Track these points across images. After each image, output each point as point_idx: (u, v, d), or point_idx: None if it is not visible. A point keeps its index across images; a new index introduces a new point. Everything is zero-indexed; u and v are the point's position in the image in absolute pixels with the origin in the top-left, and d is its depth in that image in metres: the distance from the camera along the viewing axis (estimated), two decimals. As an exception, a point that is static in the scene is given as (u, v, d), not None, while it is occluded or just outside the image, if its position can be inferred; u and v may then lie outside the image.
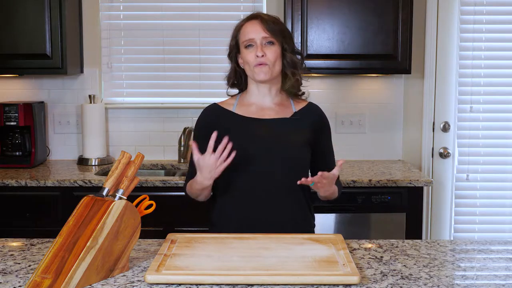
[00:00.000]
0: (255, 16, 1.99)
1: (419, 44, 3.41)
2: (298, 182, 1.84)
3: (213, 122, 2.01)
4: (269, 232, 1.84)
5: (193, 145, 1.83)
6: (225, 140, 1.80)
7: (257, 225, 1.91)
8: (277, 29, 1.96)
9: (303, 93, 2.08)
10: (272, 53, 1.95)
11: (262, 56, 1.93)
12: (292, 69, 2.00)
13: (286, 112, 2.03)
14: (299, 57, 2.04)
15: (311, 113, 2.07)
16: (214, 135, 1.81)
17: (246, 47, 1.97)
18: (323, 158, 2.08)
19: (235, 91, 2.13)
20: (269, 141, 1.96)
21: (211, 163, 1.81)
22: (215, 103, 2.08)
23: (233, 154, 1.81)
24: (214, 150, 1.80)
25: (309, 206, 2.05)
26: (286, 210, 1.97)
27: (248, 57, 1.96)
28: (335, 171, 1.87)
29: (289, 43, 2.00)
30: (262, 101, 2.03)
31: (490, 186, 3.52)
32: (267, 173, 1.94)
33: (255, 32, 1.95)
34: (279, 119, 2.01)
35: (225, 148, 1.80)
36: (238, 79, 2.07)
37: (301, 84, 2.06)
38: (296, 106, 2.06)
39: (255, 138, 1.97)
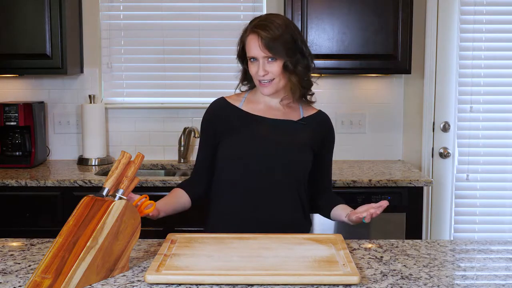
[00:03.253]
0: (255, 31, 1.91)
1: (419, 44, 3.41)
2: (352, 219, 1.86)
3: (218, 117, 2.01)
4: (263, 232, 1.83)
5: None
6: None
7: (252, 224, 1.91)
8: (277, 46, 1.89)
9: (313, 93, 2.06)
10: (275, 68, 1.91)
11: (264, 75, 1.91)
12: (294, 84, 1.96)
13: (294, 115, 2.02)
14: (307, 60, 1.99)
15: (319, 122, 2.05)
16: None
17: (251, 60, 1.95)
18: (320, 169, 2.07)
19: (246, 88, 2.11)
20: (271, 141, 1.96)
21: None
22: (223, 97, 2.07)
23: None
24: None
25: (304, 209, 2.03)
26: (281, 212, 1.96)
27: (252, 71, 1.95)
28: (382, 204, 1.80)
29: (292, 54, 1.92)
30: (270, 101, 2.03)
31: (490, 186, 3.52)
32: (266, 173, 1.94)
33: (256, 50, 1.91)
34: (285, 121, 2.00)
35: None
36: (248, 79, 2.05)
37: (309, 88, 2.04)
38: (305, 112, 2.05)
39: (257, 137, 1.96)
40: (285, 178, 1.95)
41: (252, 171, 1.93)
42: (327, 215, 2.06)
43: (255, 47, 1.91)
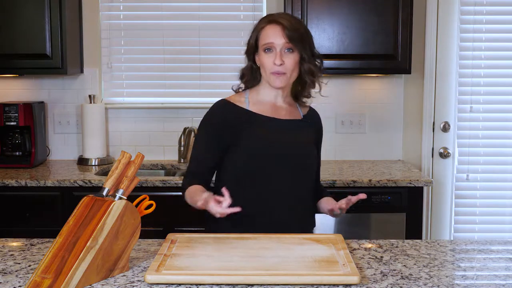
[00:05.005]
0: (278, 21, 1.93)
1: (419, 44, 3.40)
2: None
3: (226, 120, 1.97)
4: (274, 231, 1.83)
5: (225, 192, 1.68)
6: (235, 210, 1.69)
7: (262, 223, 1.91)
8: (297, 36, 1.92)
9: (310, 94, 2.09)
10: (291, 60, 1.92)
11: (280, 65, 1.91)
12: (311, 77, 1.98)
13: (296, 114, 2.05)
14: (318, 61, 2.01)
15: (314, 118, 2.11)
16: (227, 202, 1.67)
17: (265, 50, 1.94)
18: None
19: (241, 87, 2.09)
20: (284, 141, 1.96)
21: (211, 209, 1.72)
22: (225, 100, 2.02)
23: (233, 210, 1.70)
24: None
25: (313, 208, 2.07)
26: (294, 210, 1.97)
27: (266, 62, 1.94)
28: (356, 198, 1.89)
29: (308, 49, 1.95)
30: (275, 100, 2.02)
31: (490, 186, 3.52)
32: (282, 174, 1.94)
33: (276, 38, 1.91)
34: (293, 120, 2.02)
35: (231, 214, 1.70)
36: (253, 76, 2.03)
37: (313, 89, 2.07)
38: (302, 110, 2.08)
39: (270, 138, 1.95)
40: (300, 177, 1.97)
41: (269, 172, 1.93)
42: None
43: (274, 35, 1.92)
